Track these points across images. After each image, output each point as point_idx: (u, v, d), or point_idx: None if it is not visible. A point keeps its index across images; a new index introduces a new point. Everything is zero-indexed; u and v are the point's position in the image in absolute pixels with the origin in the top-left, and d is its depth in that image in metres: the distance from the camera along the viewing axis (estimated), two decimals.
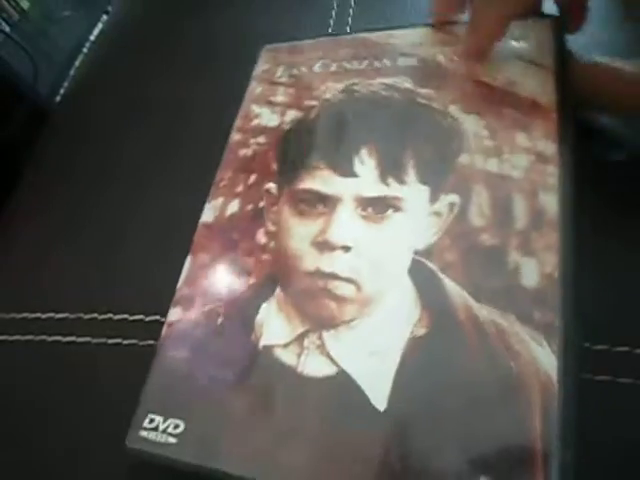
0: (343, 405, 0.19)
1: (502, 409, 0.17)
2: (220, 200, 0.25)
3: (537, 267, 0.19)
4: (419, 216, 0.21)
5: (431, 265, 0.20)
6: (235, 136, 0.27)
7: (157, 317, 0.25)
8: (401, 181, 0.22)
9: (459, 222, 0.21)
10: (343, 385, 0.19)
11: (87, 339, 0.26)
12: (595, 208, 0.22)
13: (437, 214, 0.21)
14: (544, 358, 0.18)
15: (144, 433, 0.21)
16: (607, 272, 0.22)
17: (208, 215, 0.25)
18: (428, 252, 0.21)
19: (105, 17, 0.48)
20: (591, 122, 0.24)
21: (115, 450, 0.21)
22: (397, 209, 0.22)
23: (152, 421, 0.21)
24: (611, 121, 0.24)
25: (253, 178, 0.25)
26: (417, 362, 0.19)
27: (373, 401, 0.19)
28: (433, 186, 0.22)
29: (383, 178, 0.22)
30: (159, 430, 0.20)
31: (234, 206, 0.25)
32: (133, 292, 0.26)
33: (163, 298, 0.24)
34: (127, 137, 0.33)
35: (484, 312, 0.19)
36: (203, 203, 0.25)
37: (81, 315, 0.26)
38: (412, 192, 0.22)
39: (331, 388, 0.19)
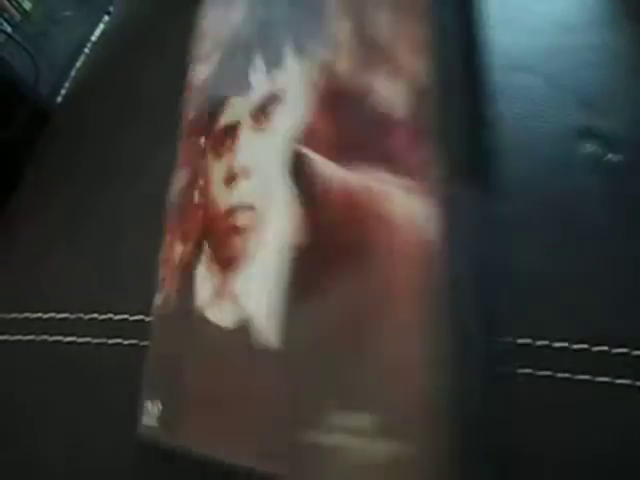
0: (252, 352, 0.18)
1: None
2: (178, 174, 0.24)
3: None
4: (297, 97, 0.19)
5: (305, 150, 0.18)
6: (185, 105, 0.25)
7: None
8: (281, 66, 0.20)
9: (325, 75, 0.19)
10: (250, 331, 0.18)
11: (87, 339, 0.26)
12: None
13: (313, 84, 0.19)
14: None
15: (144, 420, 0.20)
16: None
17: (172, 193, 0.24)
18: (302, 135, 0.19)
19: (107, 17, 0.48)
20: None
21: (117, 449, 0.21)
22: (280, 101, 0.20)
23: (146, 407, 0.21)
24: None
25: (193, 139, 0.24)
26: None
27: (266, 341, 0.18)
28: (308, 55, 0.20)
29: (269, 74, 0.21)
30: (150, 414, 0.20)
31: (182, 175, 0.24)
32: (134, 292, 0.26)
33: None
34: (127, 137, 0.33)
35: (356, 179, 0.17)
36: None
37: (81, 315, 0.26)
38: (292, 73, 0.20)
39: (243, 337, 0.18)
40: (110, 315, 0.26)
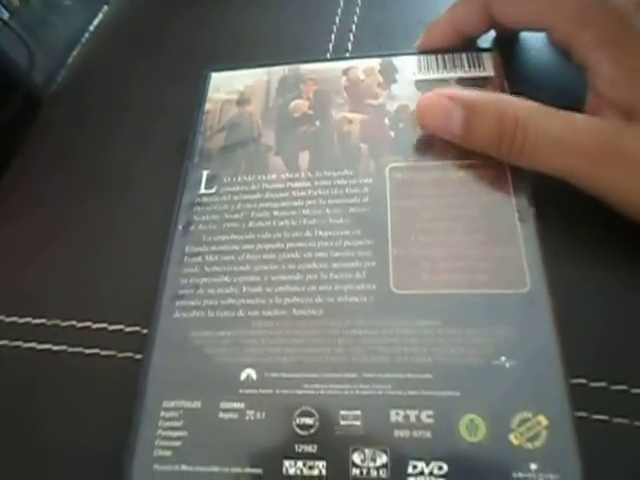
0: None
1: None
2: None
3: None
4: None
5: None
6: None
7: (137, 328, 0.24)
8: None
9: None
10: None
11: (63, 347, 0.25)
12: None
13: None
14: None
15: None
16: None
17: None
18: None
19: (106, 7, 0.47)
20: None
21: (87, 464, 0.20)
22: None
23: None
24: None
25: None
26: None
27: None
28: None
29: None
30: None
31: None
32: (115, 300, 0.26)
33: (145, 308, 0.23)
34: (117, 134, 0.32)
35: None
36: None
37: (58, 322, 0.26)
38: None
39: None
40: (89, 323, 0.25)
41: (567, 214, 0.24)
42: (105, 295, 0.26)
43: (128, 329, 0.25)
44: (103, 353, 0.24)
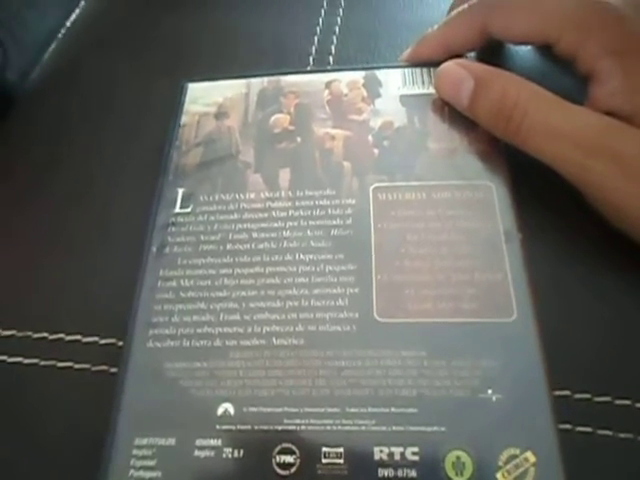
0: None
1: None
2: None
3: None
4: None
5: None
6: None
7: (113, 340, 0.24)
8: None
9: None
10: None
11: (35, 360, 0.24)
12: None
13: None
14: None
15: None
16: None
17: None
18: None
19: (83, 3, 0.46)
20: None
21: None
22: None
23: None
24: None
25: None
26: None
27: None
28: None
29: None
30: None
31: None
32: (89, 311, 0.25)
33: (121, 319, 0.22)
34: (92, 133, 0.31)
35: None
36: None
37: (30, 334, 0.24)
38: None
39: None
40: (62, 335, 0.24)
41: (553, 230, 0.24)
42: (79, 306, 0.25)
43: (103, 341, 0.24)
44: (77, 366, 0.23)
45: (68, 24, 0.45)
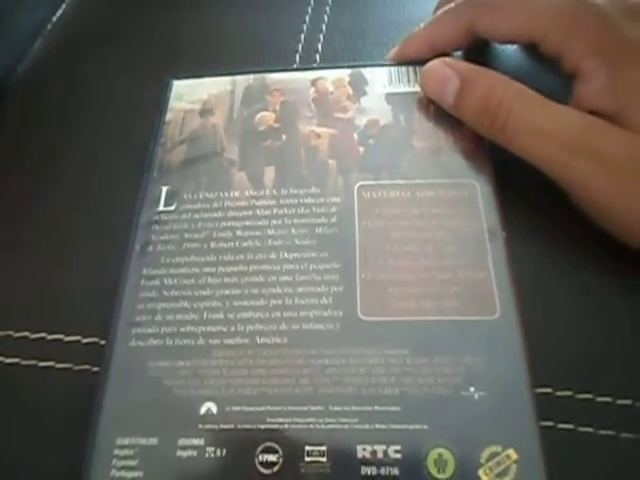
0: None
1: None
2: None
3: None
4: None
5: None
6: None
7: (95, 339, 0.23)
8: None
9: None
10: None
11: (16, 360, 0.24)
12: None
13: None
14: None
15: None
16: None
17: None
18: None
19: None
20: None
21: None
22: None
23: None
24: None
25: None
26: None
27: None
28: None
29: None
30: None
31: None
32: (71, 309, 0.24)
33: (104, 318, 0.22)
34: (78, 131, 0.30)
35: None
36: None
37: (10, 333, 0.24)
38: None
39: None
40: (43, 334, 0.24)
41: (537, 228, 0.24)
42: (61, 304, 0.25)
43: (85, 340, 0.23)
44: (59, 366, 0.23)
45: (54, 19, 0.45)
